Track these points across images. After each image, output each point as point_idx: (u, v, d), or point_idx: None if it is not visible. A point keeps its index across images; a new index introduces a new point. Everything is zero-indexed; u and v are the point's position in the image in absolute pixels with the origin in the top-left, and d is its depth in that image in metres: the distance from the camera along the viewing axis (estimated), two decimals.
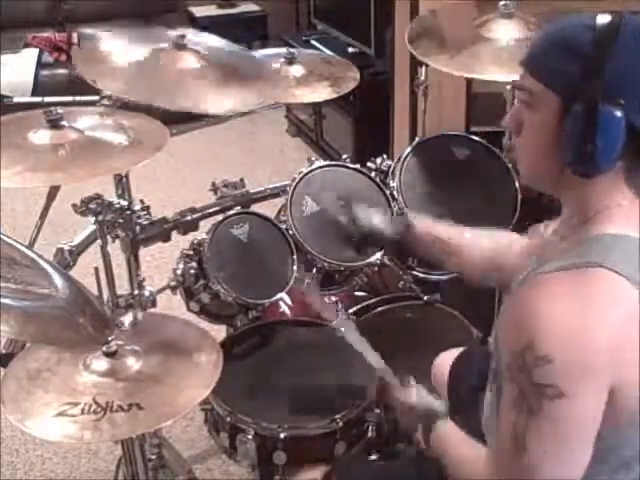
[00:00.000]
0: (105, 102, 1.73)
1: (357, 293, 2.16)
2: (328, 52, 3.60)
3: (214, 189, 1.94)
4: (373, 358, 1.52)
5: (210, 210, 1.93)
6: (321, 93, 1.95)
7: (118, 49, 1.77)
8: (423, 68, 2.06)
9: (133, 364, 1.39)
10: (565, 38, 1.09)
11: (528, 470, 1.06)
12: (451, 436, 1.29)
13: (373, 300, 2.16)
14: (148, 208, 1.81)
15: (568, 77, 1.07)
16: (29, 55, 4.73)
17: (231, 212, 1.85)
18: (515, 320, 1.08)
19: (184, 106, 1.64)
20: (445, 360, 1.70)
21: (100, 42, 1.80)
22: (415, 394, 1.40)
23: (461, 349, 1.73)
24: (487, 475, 1.15)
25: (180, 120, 2.26)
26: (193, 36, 1.83)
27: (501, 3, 2.00)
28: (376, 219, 1.70)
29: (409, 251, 1.76)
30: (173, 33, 1.79)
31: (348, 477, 1.58)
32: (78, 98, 1.77)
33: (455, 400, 1.51)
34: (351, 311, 2.07)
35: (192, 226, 1.92)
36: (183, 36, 1.77)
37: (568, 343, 1.01)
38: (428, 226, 1.67)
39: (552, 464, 1.05)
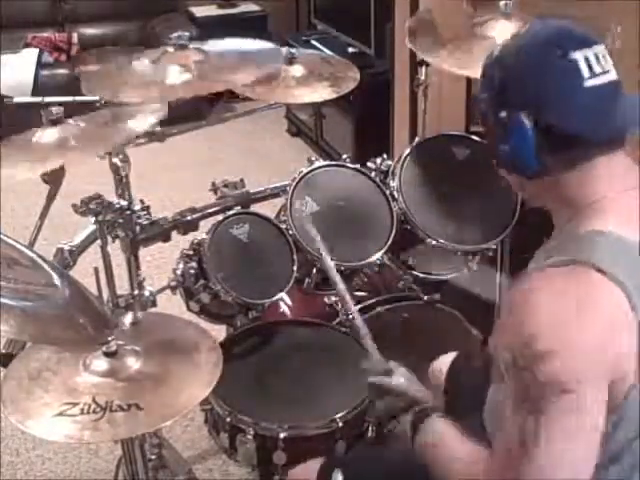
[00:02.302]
0: (105, 102, 1.73)
1: (357, 293, 2.16)
2: (328, 52, 3.60)
3: (214, 189, 1.94)
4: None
5: (210, 210, 1.93)
6: (321, 93, 1.94)
7: None
8: (423, 68, 2.06)
9: (133, 364, 1.39)
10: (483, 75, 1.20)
11: (541, 470, 1.04)
12: (444, 433, 1.26)
13: (373, 300, 2.16)
14: (148, 208, 1.81)
15: (483, 106, 1.18)
16: (29, 55, 4.74)
17: (231, 212, 1.85)
18: (511, 318, 1.09)
19: None
20: (443, 363, 1.69)
21: None
22: (398, 380, 1.38)
23: (457, 353, 1.73)
24: (490, 477, 1.12)
25: (180, 120, 2.27)
26: None
27: (501, 3, 2.00)
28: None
29: None
30: None
31: (351, 467, 1.58)
32: (78, 98, 1.77)
33: (452, 403, 1.51)
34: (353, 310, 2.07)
35: (192, 226, 1.92)
36: None
37: (565, 336, 1.02)
38: None
39: (565, 461, 1.04)
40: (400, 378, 1.39)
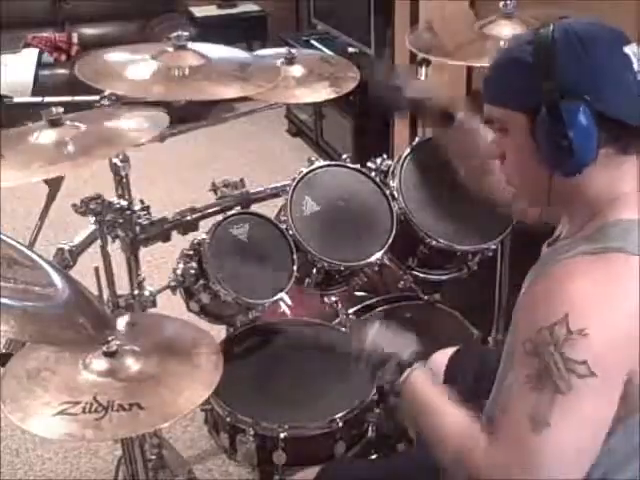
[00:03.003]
0: (105, 102, 1.73)
1: (357, 293, 2.16)
2: (328, 52, 3.60)
3: (214, 189, 1.94)
4: None
5: (210, 210, 1.93)
6: (321, 93, 1.94)
7: None
8: (423, 68, 2.06)
9: (133, 364, 1.39)
10: (509, 59, 1.16)
11: (546, 452, 1.02)
12: (431, 394, 1.22)
13: (373, 300, 2.16)
14: (148, 208, 1.81)
15: (523, 91, 1.13)
16: (29, 55, 4.74)
17: (231, 212, 1.85)
18: (546, 296, 1.07)
19: None
20: (440, 358, 1.69)
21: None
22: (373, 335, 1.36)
23: (456, 348, 1.72)
24: (491, 459, 1.07)
25: (180, 120, 2.26)
26: None
27: (501, 3, 2.00)
28: None
29: None
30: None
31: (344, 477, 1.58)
32: (78, 98, 1.77)
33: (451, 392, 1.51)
34: (351, 311, 2.07)
35: (192, 226, 1.92)
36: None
37: (602, 320, 1.01)
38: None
39: (573, 445, 1.02)
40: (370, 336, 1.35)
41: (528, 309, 1.11)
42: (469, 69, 2.90)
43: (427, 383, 1.25)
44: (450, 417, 1.17)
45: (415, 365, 1.27)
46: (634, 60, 1.10)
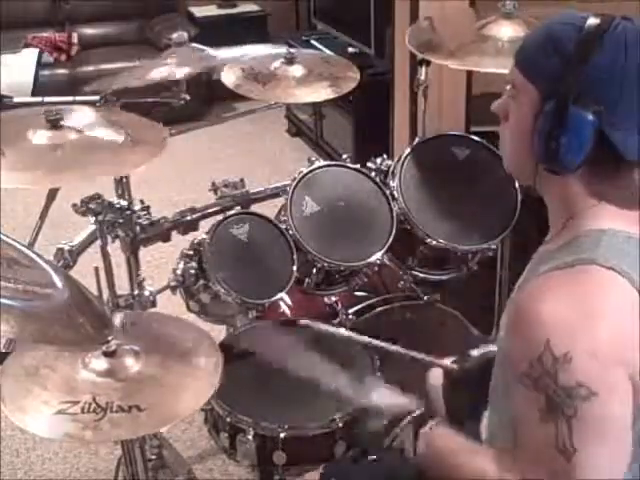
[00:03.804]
0: (105, 102, 1.73)
1: (357, 293, 2.16)
2: (328, 52, 3.60)
3: (214, 189, 1.94)
4: None
5: (210, 210, 1.93)
6: (321, 93, 1.94)
7: None
8: (423, 68, 2.06)
9: (132, 364, 1.39)
10: (551, 34, 1.12)
11: (583, 475, 1.02)
12: (452, 441, 1.23)
13: (373, 300, 2.16)
14: (148, 208, 1.81)
15: (547, 72, 1.10)
16: (29, 55, 4.74)
17: (231, 212, 1.85)
18: (522, 327, 1.07)
19: None
20: (437, 376, 1.67)
21: None
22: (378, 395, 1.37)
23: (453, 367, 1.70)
24: None
25: (180, 120, 2.27)
26: None
27: (501, 3, 2.00)
28: None
29: None
30: None
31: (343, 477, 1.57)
32: (78, 98, 1.77)
33: (453, 418, 1.50)
34: (351, 311, 2.07)
35: (192, 226, 1.92)
36: None
37: (579, 337, 1.01)
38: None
39: (605, 462, 1.03)
40: (377, 395, 1.38)
41: (514, 334, 1.10)
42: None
43: (450, 436, 1.25)
44: (473, 463, 1.17)
45: (433, 421, 1.28)
46: None
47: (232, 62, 1.96)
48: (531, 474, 1.07)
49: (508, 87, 1.19)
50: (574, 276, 1.06)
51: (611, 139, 1.07)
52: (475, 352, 1.51)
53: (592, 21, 1.09)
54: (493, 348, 1.53)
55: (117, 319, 1.55)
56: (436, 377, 1.50)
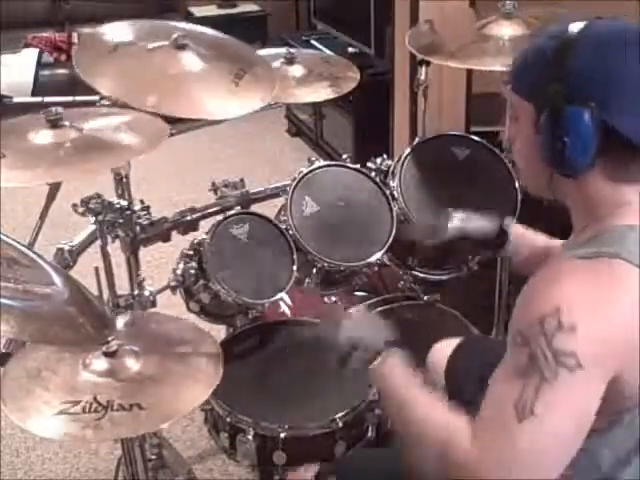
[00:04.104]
0: (105, 102, 1.73)
1: (357, 293, 2.16)
2: (328, 52, 3.60)
3: (214, 189, 1.94)
4: None
5: (210, 210, 1.93)
6: (321, 93, 1.94)
7: None
8: (423, 68, 2.06)
9: (133, 364, 1.39)
10: (534, 49, 1.16)
11: (528, 442, 1.01)
12: (411, 389, 1.20)
13: (373, 300, 2.16)
14: (148, 208, 1.81)
15: (535, 85, 1.13)
16: (29, 55, 4.74)
17: (231, 212, 1.85)
18: (539, 290, 1.08)
19: None
20: (441, 350, 1.68)
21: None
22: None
23: (458, 340, 1.71)
24: (473, 452, 1.05)
25: (180, 120, 2.26)
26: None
27: (501, 3, 2.00)
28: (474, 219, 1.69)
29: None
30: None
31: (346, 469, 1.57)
32: (78, 98, 1.77)
33: (454, 390, 1.50)
34: (353, 310, 2.07)
35: (192, 226, 1.92)
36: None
37: (593, 317, 1.02)
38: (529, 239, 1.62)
39: (557, 435, 1.02)
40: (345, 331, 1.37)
41: (522, 302, 1.11)
42: (469, 69, 2.90)
43: (403, 374, 1.24)
44: (433, 411, 1.16)
45: (385, 353, 1.27)
46: None
47: None
48: (483, 431, 1.06)
49: (508, 111, 1.23)
50: (597, 266, 1.06)
51: (617, 128, 1.07)
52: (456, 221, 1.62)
53: (572, 26, 1.12)
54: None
55: (122, 320, 1.56)
56: (438, 356, 1.51)
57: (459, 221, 1.69)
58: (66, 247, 1.68)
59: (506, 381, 1.05)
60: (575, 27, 1.11)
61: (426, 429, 1.14)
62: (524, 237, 1.62)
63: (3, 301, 1.05)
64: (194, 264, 1.76)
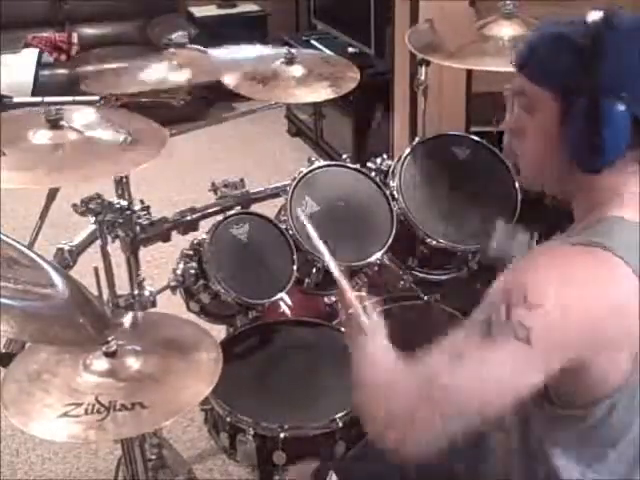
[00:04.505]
0: (105, 102, 1.73)
1: (357, 293, 2.16)
2: (328, 52, 3.60)
3: (214, 189, 1.94)
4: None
5: (210, 210, 1.93)
6: (321, 93, 1.94)
7: None
8: (423, 68, 2.06)
9: (133, 364, 1.39)
10: (559, 36, 1.10)
11: (458, 386, 1.03)
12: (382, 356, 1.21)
13: (373, 300, 2.16)
14: (148, 208, 1.81)
15: (565, 74, 1.09)
16: (29, 55, 4.74)
17: (231, 212, 1.85)
18: (517, 268, 1.08)
19: None
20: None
21: None
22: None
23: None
24: (400, 392, 1.08)
25: (180, 120, 2.27)
26: None
27: (501, 3, 2.00)
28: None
29: None
30: None
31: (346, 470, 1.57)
32: (78, 98, 1.77)
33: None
34: (351, 311, 2.07)
35: (192, 226, 1.92)
36: None
37: (561, 304, 1.01)
38: None
39: (476, 391, 1.03)
40: None
41: (501, 279, 1.10)
42: (469, 69, 2.90)
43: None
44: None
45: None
46: None
47: (232, 62, 1.96)
48: (418, 364, 1.08)
49: (518, 102, 1.17)
50: (579, 253, 1.06)
51: None
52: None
53: (596, 14, 1.08)
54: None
55: (124, 320, 1.56)
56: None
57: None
58: (66, 247, 1.68)
59: (453, 333, 1.08)
60: (598, 17, 1.08)
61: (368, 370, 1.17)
62: None
63: (3, 301, 1.05)
64: (194, 264, 1.76)
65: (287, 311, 1.91)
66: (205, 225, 1.87)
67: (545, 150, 1.15)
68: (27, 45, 4.85)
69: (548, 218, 1.29)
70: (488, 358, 1.03)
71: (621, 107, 1.05)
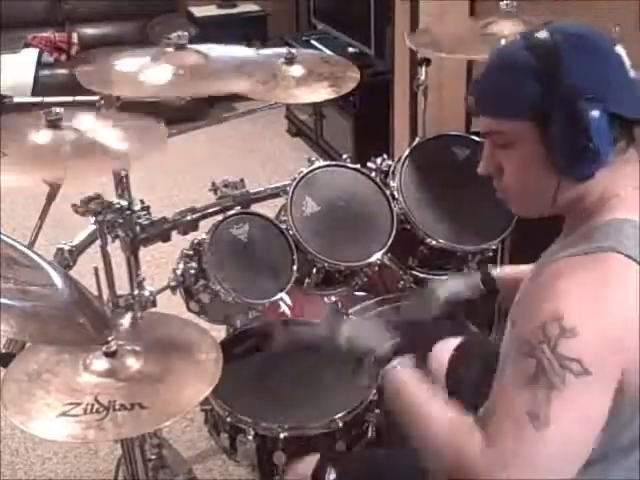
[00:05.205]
0: (105, 102, 1.73)
1: (357, 293, 2.16)
2: (328, 52, 3.60)
3: (214, 189, 1.94)
4: None
5: (210, 210, 1.93)
6: (321, 93, 1.94)
7: None
8: (423, 68, 2.06)
9: (133, 364, 1.39)
10: (509, 67, 1.13)
11: (547, 447, 1.01)
12: (420, 393, 1.20)
13: (373, 300, 2.16)
14: (148, 208, 1.81)
15: (532, 99, 1.10)
16: (29, 55, 4.74)
17: (231, 212, 1.85)
18: (538, 296, 1.07)
19: None
20: (442, 350, 1.68)
21: None
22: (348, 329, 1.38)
23: (459, 340, 1.72)
24: (489, 458, 1.04)
25: (180, 120, 2.27)
26: None
27: (501, 3, 2.00)
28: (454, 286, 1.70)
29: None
30: None
31: (345, 466, 1.57)
32: (78, 98, 1.77)
33: (454, 390, 1.50)
34: (351, 311, 2.07)
35: (192, 226, 1.92)
36: None
37: (592, 316, 1.02)
38: (514, 273, 1.59)
39: (572, 444, 1.02)
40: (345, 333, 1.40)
41: (522, 309, 1.11)
42: (469, 67, 2.90)
43: (412, 378, 1.24)
44: (440, 413, 1.15)
45: (396, 360, 1.27)
46: (625, 59, 1.12)
47: (232, 62, 1.96)
48: (499, 439, 1.04)
49: (490, 142, 1.20)
50: (593, 261, 1.06)
51: (616, 112, 1.08)
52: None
53: (534, 34, 1.13)
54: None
55: (124, 320, 1.56)
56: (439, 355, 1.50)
57: (443, 293, 1.70)
58: (66, 247, 1.68)
59: (517, 390, 1.05)
60: (541, 34, 1.11)
61: (432, 432, 1.14)
62: (510, 282, 1.55)
63: (3, 301, 1.05)
64: (194, 264, 1.76)
65: (287, 311, 1.91)
66: (205, 225, 1.87)
67: (532, 177, 1.16)
68: (27, 45, 4.85)
69: (546, 221, 1.28)
70: (566, 409, 1.01)
71: (597, 110, 1.07)
